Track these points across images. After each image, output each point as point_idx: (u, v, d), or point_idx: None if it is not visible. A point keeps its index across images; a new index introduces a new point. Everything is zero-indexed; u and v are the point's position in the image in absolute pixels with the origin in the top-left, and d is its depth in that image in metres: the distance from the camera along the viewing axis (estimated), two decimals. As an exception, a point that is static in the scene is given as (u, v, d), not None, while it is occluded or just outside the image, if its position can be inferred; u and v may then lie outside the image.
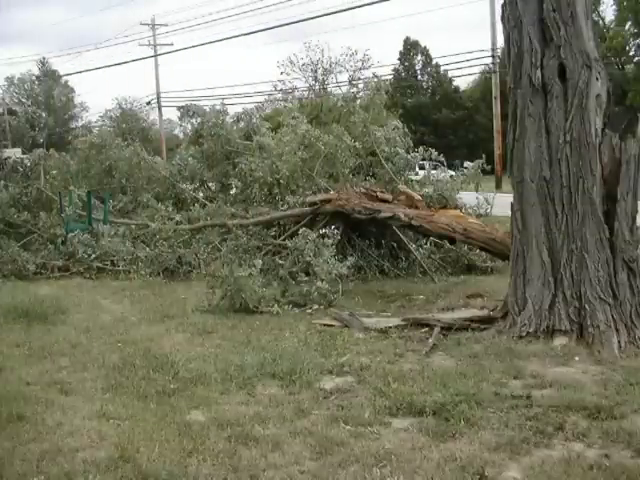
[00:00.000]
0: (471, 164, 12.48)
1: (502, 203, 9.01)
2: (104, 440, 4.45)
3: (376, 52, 52.31)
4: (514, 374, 5.44)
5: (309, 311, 8.17)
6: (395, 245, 10.72)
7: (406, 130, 12.82)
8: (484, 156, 12.71)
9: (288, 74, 47.55)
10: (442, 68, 52.90)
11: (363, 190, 10.86)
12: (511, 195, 6.94)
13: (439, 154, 12.52)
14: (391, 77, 47.98)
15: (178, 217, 11.98)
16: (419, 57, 57.35)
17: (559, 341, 6.18)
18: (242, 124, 15.11)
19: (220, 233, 11.42)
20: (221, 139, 13.38)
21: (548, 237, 6.49)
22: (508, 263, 7.35)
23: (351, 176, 11.91)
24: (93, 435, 4.54)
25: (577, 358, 5.83)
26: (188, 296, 9.13)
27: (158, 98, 50.76)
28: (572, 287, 6.31)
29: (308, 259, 8.99)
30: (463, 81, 64.01)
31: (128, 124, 49.89)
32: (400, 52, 56.35)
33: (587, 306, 6.21)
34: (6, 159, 16.54)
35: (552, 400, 4.81)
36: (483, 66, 41.94)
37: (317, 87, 46.30)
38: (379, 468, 3.94)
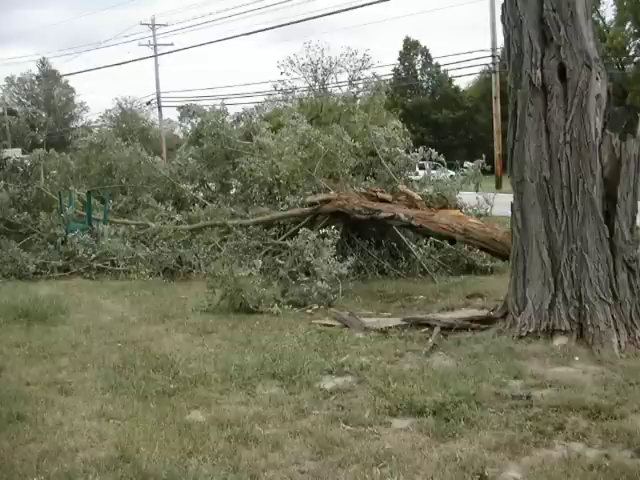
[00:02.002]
0: (471, 164, 12.46)
1: (502, 203, 9.00)
2: (104, 440, 4.45)
3: (376, 52, 52.28)
4: (514, 374, 5.44)
5: (309, 311, 8.16)
6: (395, 245, 10.71)
7: (406, 130, 12.81)
8: (484, 156, 12.69)
9: (288, 74, 47.63)
10: (442, 68, 53.09)
11: (363, 190, 10.88)
12: (511, 195, 6.93)
13: (439, 154, 12.50)
14: (391, 77, 48.18)
15: (178, 217, 11.97)
16: (419, 57, 57.43)
17: (559, 341, 6.18)
18: (242, 124, 15.14)
19: (220, 233, 11.41)
20: (221, 139, 13.36)
21: (548, 237, 6.48)
22: (508, 263, 7.35)
23: (351, 176, 11.89)
24: (93, 435, 4.54)
25: (577, 358, 5.83)
26: (188, 296, 9.13)
27: (158, 98, 50.84)
28: (572, 287, 6.30)
29: (308, 259, 8.99)
30: (463, 81, 64.12)
31: (128, 124, 49.89)
32: (400, 52, 56.46)
33: (587, 306, 6.20)
34: (6, 159, 16.51)
35: (552, 400, 4.81)
36: (483, 66, 42.06)
37: (317, 87, 46.28)
38: (379, 468, 3.94)
